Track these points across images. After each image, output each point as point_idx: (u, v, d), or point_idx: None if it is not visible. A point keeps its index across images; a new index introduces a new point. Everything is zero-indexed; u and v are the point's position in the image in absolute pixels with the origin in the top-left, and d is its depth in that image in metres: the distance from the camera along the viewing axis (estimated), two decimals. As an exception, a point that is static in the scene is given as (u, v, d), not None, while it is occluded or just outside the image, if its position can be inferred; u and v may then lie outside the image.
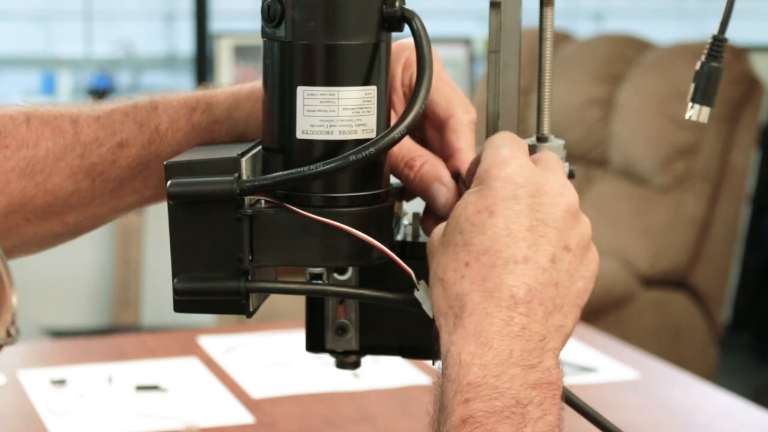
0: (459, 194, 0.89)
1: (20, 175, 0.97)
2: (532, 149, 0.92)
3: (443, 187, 0.90)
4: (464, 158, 0.91)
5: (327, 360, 0.97)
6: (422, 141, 0.93)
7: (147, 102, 0.99)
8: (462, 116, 0.92)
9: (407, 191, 0.94)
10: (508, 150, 0.83)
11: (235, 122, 0.97)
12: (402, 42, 0.93)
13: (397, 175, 0.91)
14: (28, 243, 1.01)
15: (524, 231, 0.79)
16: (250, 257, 0.85)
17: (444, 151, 0.92)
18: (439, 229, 0.83)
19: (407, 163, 0.91)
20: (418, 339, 0.92)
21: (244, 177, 0.85)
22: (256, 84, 0.97)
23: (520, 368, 0.76)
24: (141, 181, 0.99)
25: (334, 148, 0.84)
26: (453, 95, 0.92)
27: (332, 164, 0.82)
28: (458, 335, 0.77)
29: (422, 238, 0.94)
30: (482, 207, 0.80)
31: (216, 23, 4.46)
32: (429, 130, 0.93)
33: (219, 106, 0.98)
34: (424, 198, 0.92)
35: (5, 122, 0.97)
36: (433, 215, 0.92)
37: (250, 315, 0.87)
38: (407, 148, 0.91)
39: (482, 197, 0.80)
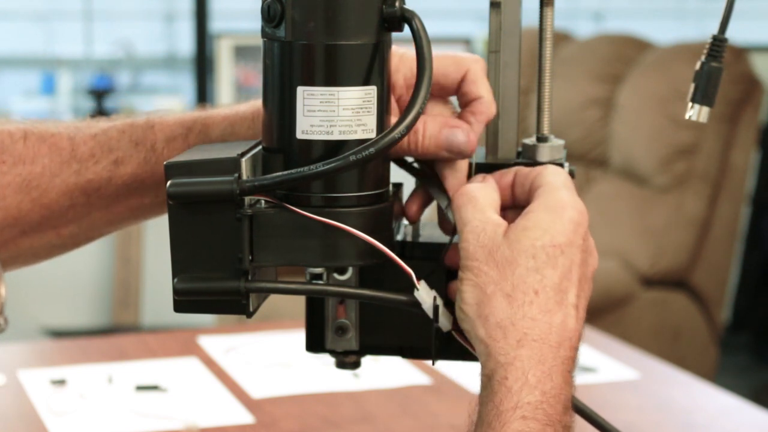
0: (477, 141, 0.91)
1: (16, 191, 0.98)
2: (533, 149, 0.92)
3: (455, 129, 0.90)
4: (487, 103, 0.91)
5: (327, 360, 0.97)
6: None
7: (143, 121, 1.00)
8: (475, 66, 0.92)
9: (419, 167, 0.93)
10: (571, 191, 0.87)
11: None
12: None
13: (403, 150, 0.91)
14: (25, 255, 1.02)
15: (577, 280, 0.85)
16: (250, 257, 0.85)
17: (464, 102, 0.93)
18: (486, 234, 0.85)
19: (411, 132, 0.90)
20: (418, 339, 0.92)
21: (244, 177, 0.85)
22: (251, 104, 0.98)
23: (563, 407, 0.83)
24: (136, 198, 1.00)
25: (334, 148, 0.84)
26: (457, 55, 0.93)
27: (332, 164, 0.82)
28: (525, 353, 0.82)
29: (422, 238, 0.94)
30: (557, 243, 0.84)
31: (216, 23, 4.46)
32: (446, 88, 0.93)
33: (215, 129, 0.99)
34: (439, 155, 0.91)
35: (3, 138, 0.99)
36: (417, 196, 0.93)
37: (250, 315, 0.87)
38: None
39: (557, 231, 0.84)
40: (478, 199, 0.86)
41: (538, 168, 0.88)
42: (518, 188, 0.88)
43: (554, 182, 0.87)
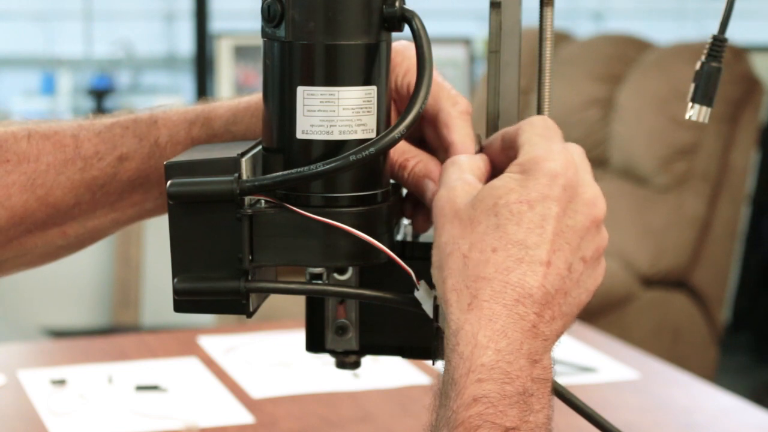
0: None
1: (21, 190, 0.98)
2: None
3: (431, 183, 0.90)
4: (459, 150, 0.91)
5: (327, 360, 0.97)
6: (421, 142, 0.93)
7: (147, 116, 1.00)
8: (450, 109, 0.92)
9: (405, 207, 0.94)
10: (550, 143, 0.83)
11: (233, 136, 0.98)
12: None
13: (393, 177, 0.91)
14: (31, 254, 1.02)
15: (553, 234, 0.80)
16: (250, 257, 0.85)
17: (441, 147, 0.92)
18: (455, 192, 0.83)
19: (401, 164, 0.91)
20: (418, 339, 0.92)
21: (244, 177, 0.85)
22: (254, 97, 0.98)
23: (527, 361, 0.78)
24: (141, 194, 1.00)
25: (334, 148, 0.84)
26: (438, 90, 0.92)
27: (332, 164, 0.82)
28: (474, 316, 0.79)
29: (422, 238, 0.94)
30: (524, 198, 0.80)
31: (216, 23, 4.46)
32: (426, 129, 0.93)
33: (217, 121, 0.99)
34: (416, 194, 0.92)
35: (6, 137, 0.99)
36: (423, 213, 0.93)
37: (250, 315, 0.87)
38: (401, 149, 0.91)
39: (526, 188, 0.81)
40: (462, 163, 0.86)
41: (520, 123, 0.87)
42: (509, 151, 0.86)
43: (531, 136, 0.84)
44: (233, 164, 0.84)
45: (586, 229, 0.82)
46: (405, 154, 0.91)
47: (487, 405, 0.77)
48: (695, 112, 0.91)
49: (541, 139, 0.84)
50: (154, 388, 1.59)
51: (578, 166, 0.84)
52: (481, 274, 0.79)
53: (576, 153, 0.84)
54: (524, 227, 0.80)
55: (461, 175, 0.84)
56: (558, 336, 0.81)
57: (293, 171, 0.83)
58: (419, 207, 0.93)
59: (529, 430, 0.78)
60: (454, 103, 0.92)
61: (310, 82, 0.84)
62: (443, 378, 0.80)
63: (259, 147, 0.89)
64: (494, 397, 0.77)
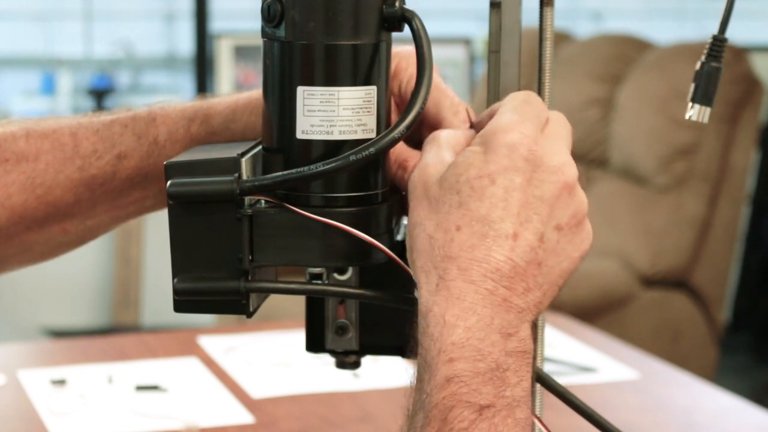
0: None
1: (21, 189, 0.98)
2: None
3: None
4: None
5: (327, 360, 0.97)
6: (420, 146, 0.93)
7: (145, 113, 1.00)
8: (452, 120, 0.92)
9: (405, 203, 0.94)
10: (517, 115, 0.82)
11: (232, 133, 0.98)
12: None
13: (392, 179, 0.91)
14: (30, 251, 1.02)
15: (519, 206, 0.79)
16: (250, 257, 0.85)
17: None
18: (427, 171, 0.82)
19: (401, 165, 0.91)
20: (418, 339, 0.92)
21: (244, 177, 0.85)
22: (253, 93, 0.98)
23: (500, 335, 0.77)
24: (140, 192, 1.00)
25: (334, 148, 0.84)
26: (441, 99, 0.92)
27: (332, 164, 0.82)
28: (442, 296, 0.78)
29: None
30: (484, 173, 0.79)
31: (216, 23, 4.46)
32: (425, 134, 0.93)
33: (216, 117, 0.99)
34: None
35: (5, 137, 0.99)
36: None
37: (250, 315, 0.87)
38: (400, 150, 0.91)
39: (485, 162, 0.80)
40: (440, 139, 0.85)
41: (505, 98, 0.86)
42: None
43: (504, 110, 0.83)
44: (233, 164, 0.84)
45: (555, 197, 0.80)
46: (404, 155, 0.91)
47: (460, 384, 0.76)
48: (695, 112, 0.91)
49: (510, 111, 0.82)
50: (154, 388, 1.59)
51: (545, 134, 0.82)
52: (447, 254, 0.78)
53: (555, 121, 0.83)
54: (487, 202, 0.79)
55: (438, 153, 0.83)
56: (538, 306, 0.80)
57: (293, 171, 0.83)
58: None
59: (506, 405, 0.77)
60: (455, 112, 0.92)
61: (310, 82, 0.84)
62: (417, 362, 0.79)
63: (259, 147, 0.89)
64: (467, 376, 0.76)
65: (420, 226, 0.81)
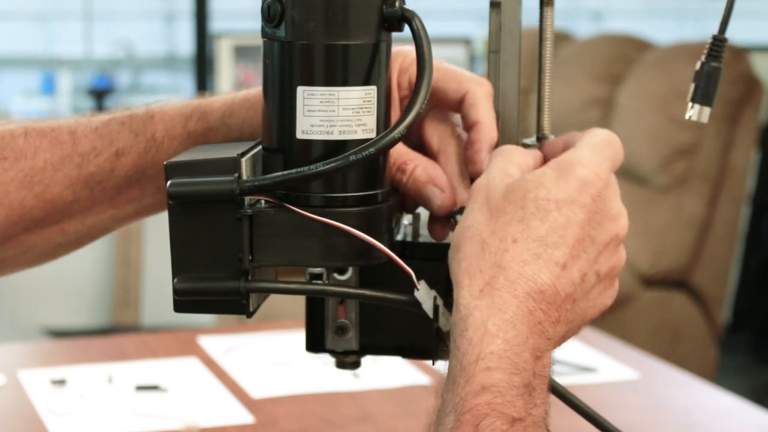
0: (454, 204, 0.90)
1: (19, 187, 0.98)
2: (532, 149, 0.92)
3: (437, 189, 0.90)
4: (484, 130, 0.91)
5: (327, 360, 0.97)
6: (419, 147, 0.93)
7: (143, 111, 1.00)
8: (476, 89, 0.92)
9: (405, 201, 0.94)
10: (598, 155, 0.84)
11: (230, 129, 0.98)
12: (396, 49, 0.93)
13: (391, 181, 0.91)
14: (30, 253, 1.02)
15: (575, 239, 0.81)
16: (250, 257, 0.85)
17: (465, 125, 0.92)
18: (493, 179, 0.83)
19: (399, 167, 0.91)
20: (418, 339, 0.92)
21: (244, 177, 0.85)
22: (251, 91, 0.98)
23: (531, 355, 0.79)
24: (138, 190, 1.00)
25: (334, 148, 0.84)
26: (462, 74, 0.93)
27: (332, 164, 0.82)
28: (484, 303, 0.79)
29: (422, 238, 0.94)
30: (552, 197, 0.81)
31: (216, 23, 4.46)
32: (450, 109, 0.93)
33: (214, 114, 0.99)
34: (418, 201, 0.92)
35: (3, 135, 0.99)
36: (438, 220, 0.92)
37: (250, 315, 0.87)
38: (398, 152, 0.91)
39: (556, 187, 0.81)
40: (509, 153, 0.86)
41: (587, 130, 0.87)
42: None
43: (583, 143, 0.85)
44: (233, 164, 0.84)
45: (605, 244, 0.83)
46: (402, 157, 0.91)
47: (496, 394, 0.77)
48: (695, 112, 0.91)
49: (591, 149, 0.85)
50: (154, 388, 1.59)
51: (611, 181, 0.84)
52: (498, 262, 0.80)
53: (611, 174, 0.85)
54: (547, 225, 0.80)
55: (506, 166, 0.84)
56: (559, 340, 0.82)
57: (293, 171, 0.83)
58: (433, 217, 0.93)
59: (533, 422, 0.78)
60: (479, 83, 0.92)
61: (310, 82, 0.84)
62: (450, 363, 0.80)
63: (259, 147, 0.89)
64: (503, 387, 0.77)
65: (475, 230, 0.82)
